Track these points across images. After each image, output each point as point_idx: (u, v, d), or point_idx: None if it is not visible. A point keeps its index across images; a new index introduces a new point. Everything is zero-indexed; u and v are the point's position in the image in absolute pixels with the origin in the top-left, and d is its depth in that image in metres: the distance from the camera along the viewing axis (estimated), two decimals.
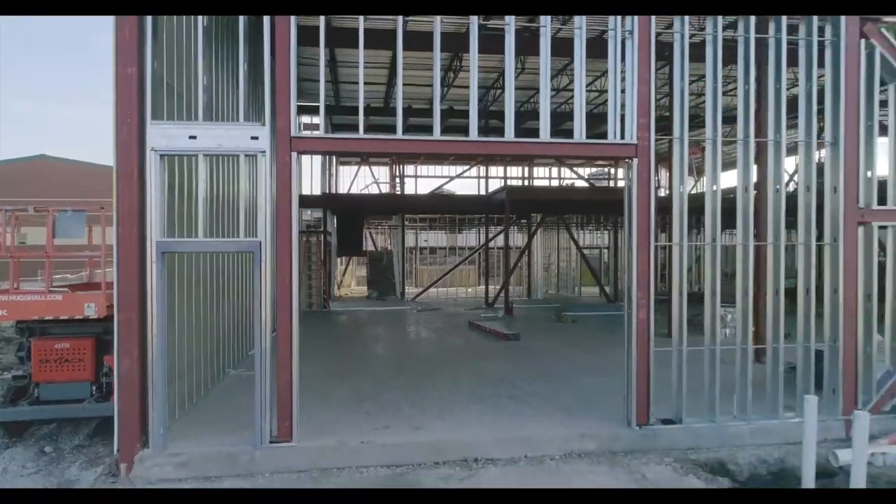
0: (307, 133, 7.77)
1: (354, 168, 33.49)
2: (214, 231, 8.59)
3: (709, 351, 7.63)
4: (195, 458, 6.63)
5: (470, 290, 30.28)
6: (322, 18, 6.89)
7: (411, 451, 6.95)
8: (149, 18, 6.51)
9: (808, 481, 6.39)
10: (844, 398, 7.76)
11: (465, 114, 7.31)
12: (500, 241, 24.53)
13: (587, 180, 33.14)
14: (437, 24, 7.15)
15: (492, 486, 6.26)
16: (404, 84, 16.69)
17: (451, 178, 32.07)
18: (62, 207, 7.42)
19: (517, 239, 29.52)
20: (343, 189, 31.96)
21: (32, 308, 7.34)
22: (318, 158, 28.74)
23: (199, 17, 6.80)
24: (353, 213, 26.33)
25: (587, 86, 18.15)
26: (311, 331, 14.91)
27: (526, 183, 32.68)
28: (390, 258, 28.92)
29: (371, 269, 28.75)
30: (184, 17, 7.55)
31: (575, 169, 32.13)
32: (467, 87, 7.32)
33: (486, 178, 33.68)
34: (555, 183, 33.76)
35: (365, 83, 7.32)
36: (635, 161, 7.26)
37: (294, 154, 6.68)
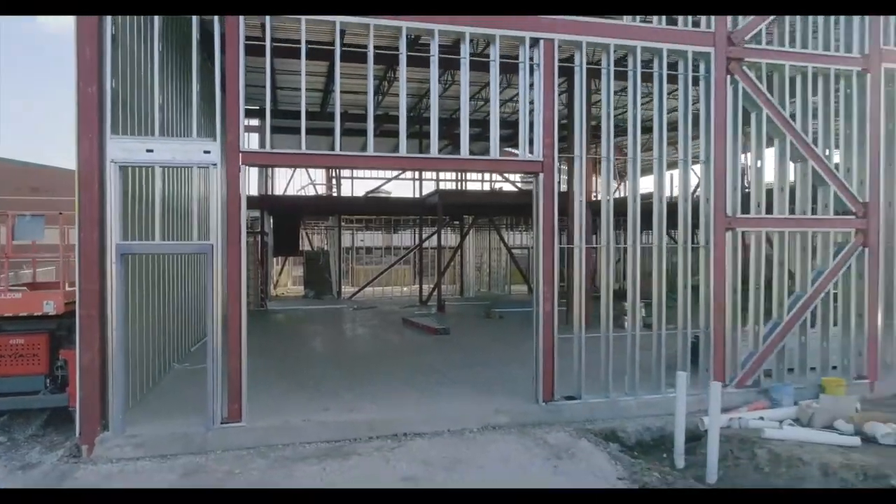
0: (255, 148, 8.32)
1: (291, 169, 33.81)
2: (170, 234, 9.26)
3: (604, 338, 8.96)
4: (151, 439, 7.38)
5: (405, 288, 31.27)
6: (268, 30, 7.75)
7: (348, 428, 7.93)
8: (108, 40, 7.21)
9: (680, 443, 7.79)
10: (715, 375, 9.24)
11: (399, 119, 8.31)
12: (434, 241, 25.62)
13: (515, 184, 34.68)
14: (370, 49, 8.11)
15: (418, 453, 7.31)
16: (341, 91, 17.55)
17: (387, 180, 32.92)
18: (21, 212, 7.96)
19: (450, 239, 30.73)
20: (280, 189, 32.25)
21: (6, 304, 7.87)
22: None
23: (155, 40, 7.54)
24: (290, 214, 26.85)
25: (511, 98, 19.50)
26: (250, 329, 15.31)
27: (458, 186, 33.88)
28: (327, 258, 29.53)
29: (307, 268, 29.28)
30: (140, 38, 8.23)
31: (505, 174, 33.59)
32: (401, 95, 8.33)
33: (421, 179, 34.69)
34: (486, 186, 35.12)
35: (302, 89, 8.19)
36: (541, 175, 8.51)
37: (243, 166, 7.53)
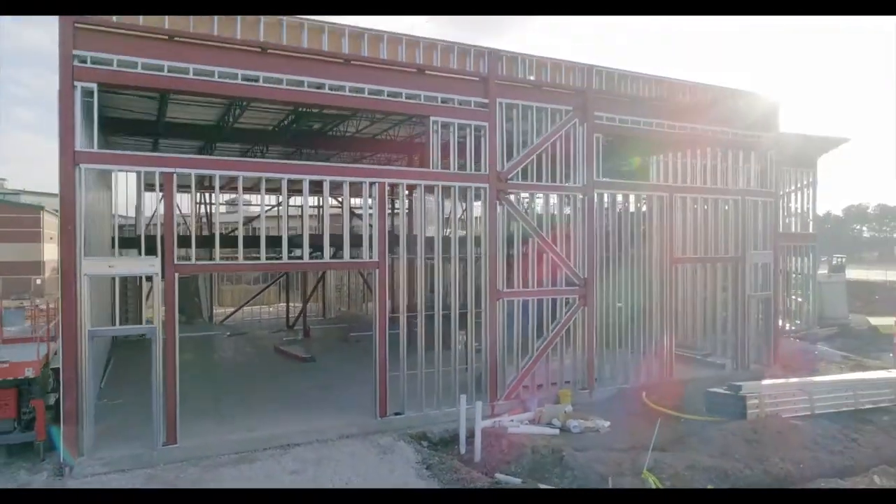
0: (188, 263, 11.48)
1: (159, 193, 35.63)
2: (127, 320, 12.65)
3: (419, 372, 13.74)
4: (114, 460, 10.99)
5: (271, 308, 34.58)
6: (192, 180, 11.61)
7: (250, 443, 12.01)
8: (82, 198, 10.70)
9: (462, 438, 12.68)
10: (490, 393, 14.39)
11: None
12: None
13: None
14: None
15: (298, 456, 11.57)
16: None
17: (256, 216, 35.94)
18: (6, 305, 11.13)
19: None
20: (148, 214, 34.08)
21: None
22: (132, 188, 30.79)
23: (113, 188, 11.14)
24: None
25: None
26: (129, 362, 18.16)
27: (320, 221, 37.74)
28: (196, 282, 32.00)
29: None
30: (103, 187, 11.68)
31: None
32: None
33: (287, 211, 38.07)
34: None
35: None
36: (377, 270, 13.12)
37: (176, 274, 11.35)
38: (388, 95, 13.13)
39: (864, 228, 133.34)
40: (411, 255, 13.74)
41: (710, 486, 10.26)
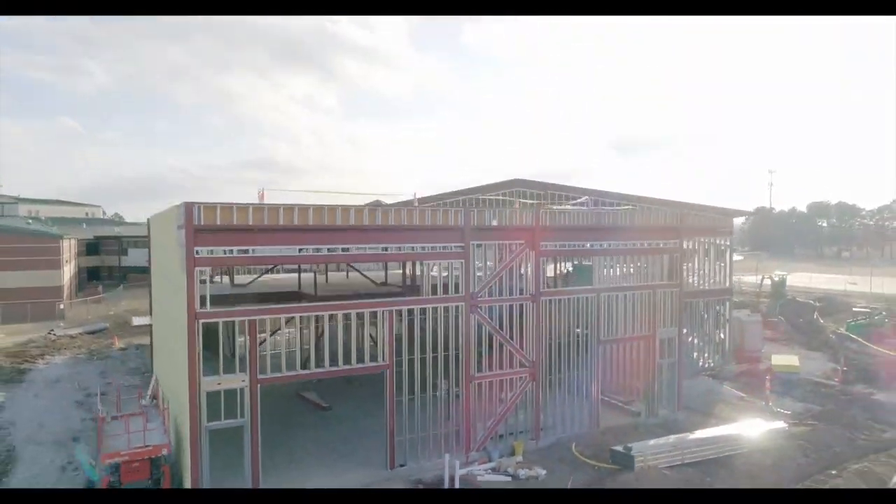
0: (271, 376, 17.41)
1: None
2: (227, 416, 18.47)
3: (417, 437, 19.86)
4: None
5: (279, 337, 40.29)
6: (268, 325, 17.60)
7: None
8: (199, 342, 16.57)
9: (446, 485, 18.86)
10: (465, 445, 20.57)
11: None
12: None
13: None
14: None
15: None
16: None
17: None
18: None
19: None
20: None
21: (145, 451, 16.92)
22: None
23: (220, 328, 17.06)
24: None
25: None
26: None
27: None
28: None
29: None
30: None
31: None
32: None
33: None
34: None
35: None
36: (386, 371, 19.18)
37: (258, 385, 17.32)
38: (393, 249, 19.14)
39: (825, 224, 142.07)
40: (411, 357, 19.83)
41: None
